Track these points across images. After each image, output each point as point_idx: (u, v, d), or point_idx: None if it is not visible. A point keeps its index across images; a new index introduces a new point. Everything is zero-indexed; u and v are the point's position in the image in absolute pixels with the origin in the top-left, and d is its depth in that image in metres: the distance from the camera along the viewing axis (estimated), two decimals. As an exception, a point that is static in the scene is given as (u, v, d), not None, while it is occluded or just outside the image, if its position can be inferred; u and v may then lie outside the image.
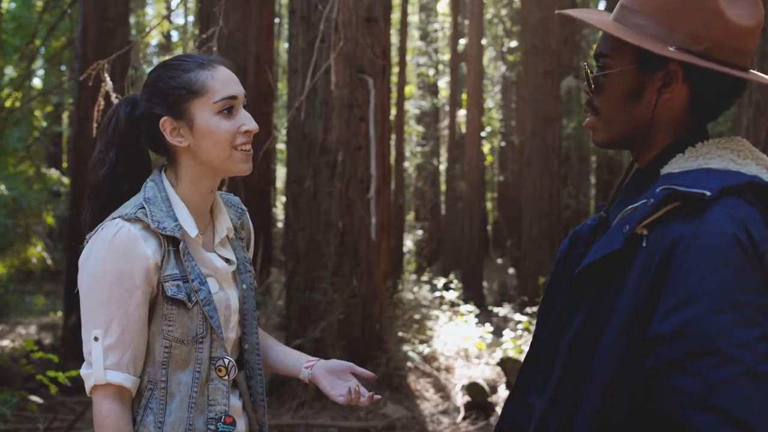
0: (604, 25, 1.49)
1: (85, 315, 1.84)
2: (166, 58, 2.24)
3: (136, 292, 1.81)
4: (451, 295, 11.24)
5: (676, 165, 1.44)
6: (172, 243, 1.86)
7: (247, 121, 1.89)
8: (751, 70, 1.49)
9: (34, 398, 5.47)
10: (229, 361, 1.92)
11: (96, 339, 1.81)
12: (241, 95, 1.91)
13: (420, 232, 21.45)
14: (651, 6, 1.45)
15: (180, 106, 1.86)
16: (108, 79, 3.81)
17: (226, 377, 1.92)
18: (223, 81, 1.88)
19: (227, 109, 1.87)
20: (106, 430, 1.82)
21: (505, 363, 7.37)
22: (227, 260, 2.01)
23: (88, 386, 1.84)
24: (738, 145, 1.46)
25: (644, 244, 1.36)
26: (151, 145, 1.97)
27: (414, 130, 22.41)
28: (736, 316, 1.23)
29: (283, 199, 13.49)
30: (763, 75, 1.51)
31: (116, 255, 1.80)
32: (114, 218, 1.84)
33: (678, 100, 1.48)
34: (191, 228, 1.89)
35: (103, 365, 1.81)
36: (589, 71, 1.54)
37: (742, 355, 1.21)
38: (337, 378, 2.08)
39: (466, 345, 8.83)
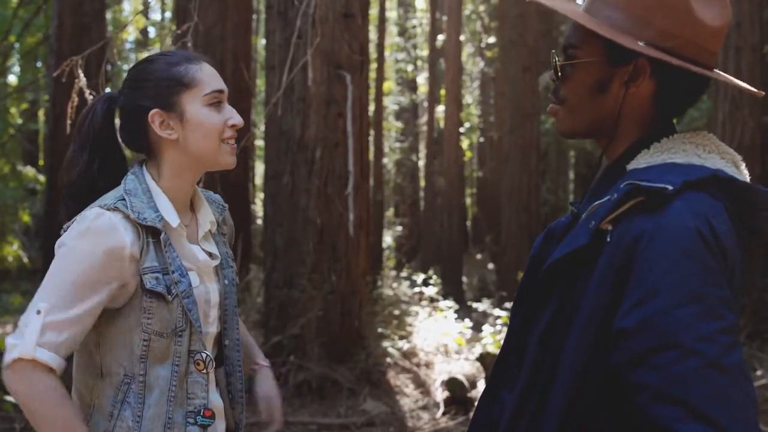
0: (576, 16, 1.49)
1: (41, 288, 1.79)
2: (145, 54, 2.25)
3: (102, 282, 1.78)
4: (431, 291, 11.24)
5: (642, 160, 1.44)
6: (153, 234, 1.84)
7: (233, 115, 1.92)
8: (715, 70, 1.51)
9: (10, 398, 5.41)
10: (207, 355, 1.92)
11: (38, 312, 1.75)
12: (226, 91, 1.94)
13: (399, 228, 21.45)
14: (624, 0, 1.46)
15: (170, 98, 1.87)
16: (82, 75, 3.77)
17: (205, 371, 1.91)
18: (210, 75, 1.92)
19: (216, 103, 1.90)
20: (46, 405, 1.74)
21: (484, 358, 7.40)
22: (210, 254, 2.00)
23: (9, 357, 1.74)
24: (704, 139, 1.47)
25: (608, 240, 1.36)
26: (130, 141, 1.96)
27: (393, 126, 22.40)
28: (698, 310, 1.23)
29: (262, 195, 13.45)
30: (726, 75, 1.53)
31: (93, 240, 1.78)
32: (93, 207, 1.82)
33: (644, 95, 1.49)
34: (173, 218, 1.88)
35: (36, 341, 1.73)
36: (556, 60, 1.54)
37: (705, 348, 1.21)
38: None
39: (445, 340, 8.84)
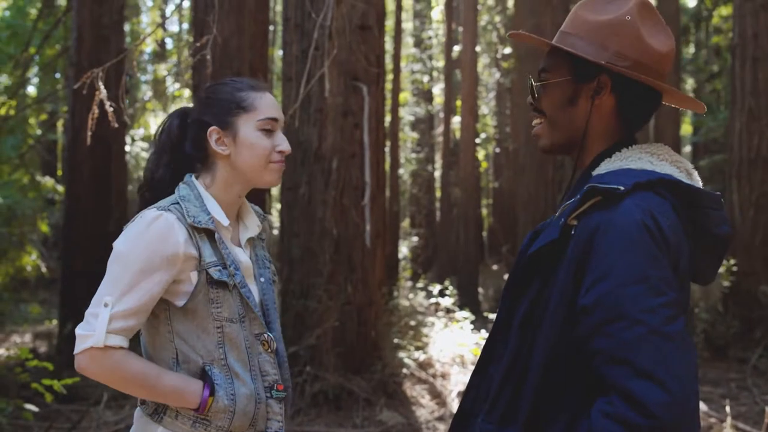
0: (550, 44, 1.81)
1: (104, 282, 1.98)
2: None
3: (159, 273, 1.97)
4: (447, 302, 11.23)
5: (604, 167, 1.74)
6: (207, 234, 2.06)
7: (282, 143, 2.14)
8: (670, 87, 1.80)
9: (30, 406, 5.46)
10: (269, 335, 2.15)
11: (106, 305, 1.95)
12: (281, 120, 2.16)
13: (415, 239, 21.43)
14: (584, 29, 1.77)
15: (228, 118, 2.11)
16: (102, 87, 3.82)
17: (270, 350, 2.15)
18: (269, 103, 2.14)
19: (268, 129, 2.12)
20: (127, 373, 1.98)
21: (500, 369, 7.36)
22: (250, 257, 2.21)
23: (82, 346, 1.96)
24: (658, 149, 1.76)
25: (573, 233, 1.63)
26: (192, 150, 2.17)
27: (409, 136, 22.41)
28: (643, 288, 1.50)
29: (279, 206, 13.49)
30: (676, 90, 1.81)
31: (151, 236, 1.98)
32: (150, 209, 2.04)
33: (607, 108, 1.79)
34: (222, 217, 2.09)
35: (106, 329, 1.94)
36: (531, 83, 1.85)
37: (649, 318, 1.47)
38: None
39: (461, 351, 8.83)
